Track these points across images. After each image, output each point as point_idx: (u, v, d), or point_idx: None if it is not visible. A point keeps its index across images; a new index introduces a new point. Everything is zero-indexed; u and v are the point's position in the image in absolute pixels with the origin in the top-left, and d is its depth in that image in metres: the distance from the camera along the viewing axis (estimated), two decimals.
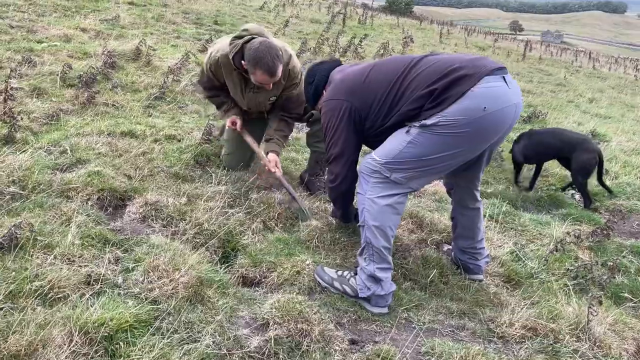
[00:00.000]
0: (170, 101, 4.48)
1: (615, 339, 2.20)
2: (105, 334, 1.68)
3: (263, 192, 3.03)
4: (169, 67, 4.90)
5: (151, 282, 2.02)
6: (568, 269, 2.74)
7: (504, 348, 2.11)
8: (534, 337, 2.16)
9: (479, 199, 2.46)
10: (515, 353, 2.07)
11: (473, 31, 24.93)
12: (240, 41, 2.75)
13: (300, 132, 4.47)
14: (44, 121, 3.55)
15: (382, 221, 2.12)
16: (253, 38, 2.73)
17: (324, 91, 2.48)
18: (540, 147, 3.99)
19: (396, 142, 2.11)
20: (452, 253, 2.66)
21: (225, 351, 1.80)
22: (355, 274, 2.26)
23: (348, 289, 2.24)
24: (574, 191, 4.01)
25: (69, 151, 3.05)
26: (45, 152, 3.04)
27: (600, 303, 2.28)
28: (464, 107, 1.95)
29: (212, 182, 3.04)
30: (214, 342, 1.82)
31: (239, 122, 3.10)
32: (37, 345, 1.59)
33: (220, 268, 2.33)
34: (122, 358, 1.64)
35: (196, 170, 3.21)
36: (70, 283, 1.90)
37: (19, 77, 3.95)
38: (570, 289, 2.54)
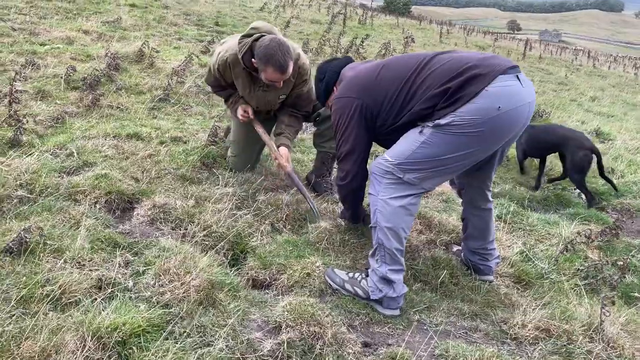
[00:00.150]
0: (174, 103, 4.46)
1: (628, 339, 2.19)
2: (119, 339, 1.66)
3: (270, 194, 3.02)
4: (173, 68, 4.89)
5: (162, 285, 2.00)
6: (578, 269, 2.74)
7: (517, 350, 2.10)
8: (547, 338, 2.14)
9: (491, 199, 2.44)
10: (530, 355, 2.06)
11: (472, 31, 24.95)
12: (250, 39, 2.73)
13: (304, 133, 4.46)
14: (49, 124, 3.54)
15: (395, 222, 2.11)
16: (262, 36, 2.71)
17: (334, 88, 2.47)
18: (535, 142, 4.03)
19: (409, 142, 2.09)
20: (462, 254, 2.64)
21: (239, 355, 1.78)
22: (367, 275, 2.24)
23: (359, 291, 2.22)
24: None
25: (75, 154, 3.03)
26: (51, 155, 3.03)
27: (613, 303, 2.27)
28: (478, 107, 1.94)
29: (219, 184, 3.03)
30: (227, 346, 1.80)
31: (250, 110, 3.03)
32: (50, 351, 1.57)
33: (230, 271, 2.31)
34: None
35: (203, 172, 3.20)
36: (81, 287, 1.88)
37: (23, 79, 3.93)
38: (582, 289, 2.53)
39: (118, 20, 7.33)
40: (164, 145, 3.43)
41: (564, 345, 2.11)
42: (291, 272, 2.33)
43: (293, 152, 3.96)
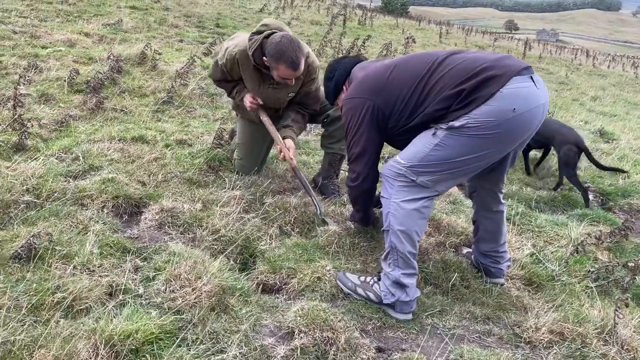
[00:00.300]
0: (178, 105, 4.44)
1: None
2: (132, 346, 1.64)
3: (278, 197, 2.99)
4: (176, 71, 4.86)
5: (173, 291, 1.98)
6: (589, 271, 2.71)
7: (532, 354, 2.08)
8: (561, 341, 2.13)
9: (503, 201, 2.42)
10: (544, 359, 2.04)
11: (470, 31, 24.93)
12: (260, 36, 2.70)
13: (308, 134, 4.44)
14: (53, 127, 3.52)
15: (408, 226, 2.08)
16: (273, 33, 2.69)
17: (344, 87, 2.44)
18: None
19: (422, 144, 2.07)
20: (472, 256, 2.62)
21: None
22: (379, 279, 2.22)
23: (372, 295, 2.20)
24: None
25: (81, 158, 3.01)
26: (56, 159, 3.00)
27: (627, 305, 2.25)
28: (493, 109, 1.92)
29: (225, 187, 3.01)
30: (240, 352, 1.78)
31: (259, 98, 2.97)
32: (63, 359, 1.55)
33: (240, 275, 2.29)
34: None
35: (209, 175, 3.18)
36: (92, 294, 1.86)
37: (27, 83, 3.91)
38: (594, 291, 2.51)
39: (119, 22, 7.31)
40: (169, 149, 3.41)
41: (578, 348, 2.09)
42: (301, 276, 2.31)
43: (298, 153, 3.94)
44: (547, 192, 3.87)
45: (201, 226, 2.54)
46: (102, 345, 1.61)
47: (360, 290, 2.22)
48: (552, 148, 4.19)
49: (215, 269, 2.11)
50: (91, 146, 3.21)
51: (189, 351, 1.71)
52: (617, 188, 4.03)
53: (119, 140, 3.39)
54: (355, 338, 1.96)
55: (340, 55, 7.94)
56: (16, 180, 2.56)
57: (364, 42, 7.70)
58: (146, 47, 5.36)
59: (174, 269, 2.06)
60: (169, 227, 2.53)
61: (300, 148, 4.10)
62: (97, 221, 2.40)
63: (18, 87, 3.26)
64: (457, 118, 1.98)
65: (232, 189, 2.98)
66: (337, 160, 3.21)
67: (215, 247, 2.43)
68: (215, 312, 1.94)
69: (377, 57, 8.21)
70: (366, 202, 2.50)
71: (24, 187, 2.53)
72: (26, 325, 1.64)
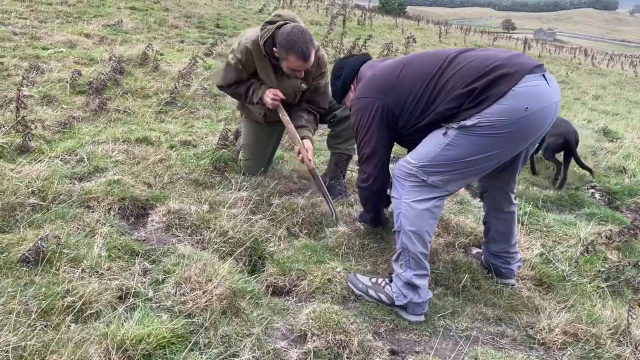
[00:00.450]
0: (181, 106, 4.41)
1: None
2: (145, 351, 1.61)
3: (285, 197, 2.97)
4: (179, 71, 4.83)
5: (184, 294, 1.95)
6: (599, 271, 2.69)
7: (546, 355, 2.06)
8: (575, 342, 2.10)
9: (514, 201, 2.39)
10: None
11: (469, 30, 24.94)
12: (273, 26, 2.66)
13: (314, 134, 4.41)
14: (57, 129, 3.48)
15: (419, 226, 2.06)
16: (285, 24, 2.66)
17: (352, 86, 2.41)
18: None
19: (433, 144, 2.04)
20: (482, 257, 2.60)
21: None
22: (390, 280, 2.19)
23: (383, 297, 2.17)
24: (593, 190, 3.97)
25: (85, 159, 2.98)
26: (61, 161, 2.97)
27: None
28: (505, 107, 1.89)
29: (232, 189, 2.98)
30: (253, 356, 1.76)
31: (279, 93, 2.84)
32: None
33: (250, 277, 2.27)
34: None
35: (215, 176, 3.15)
36: (102, 298, 1.83)
37: (30, 84, 3.88)
38: (605, 291, 2.49)
39: (119, 23, 7.28)
40: (174, 150, 3.38)
41: (592, 349, 2.07)
42: (311, 278, 2.29)
43: None
44: (553, 192, 3.85)
45: (209, 228, 2.51)
46: (114, 350, 1.59)
47: (372, 292, 2.19)
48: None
49: (226, 272, 2.08)
50: (95, 147, 3.18)
51: (201, 355, 1.69)
52: (623, 187, 4.02)
53: (123, 141, 3.36)
54: (368, 341, 1.94)
55: (342, 55, 7.92)
56: (21, 182, 2.53)
57: (365, 42, 7.68)
58: (147, 48, 5.33)
59: (184, 272, 2.03)
60: (176, 229, 2.50)
61: None
62: (104, 223, 2.37)
63: (21, 88, 3.22)
64: (469, 117, 1.95)
65: (239, 190, 2.95)
66: (343, 161, 3.18)
67: (224, 249, 2.41)
68: (227, 315, 1.92)
69: (377, 57, 8.19)
70: (377, 203, 2.47)
71: (29, 190, 2.50)
72: (37, 330, 1.62)
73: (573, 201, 3.73)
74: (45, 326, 1.65)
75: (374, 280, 2.23)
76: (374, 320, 2.11)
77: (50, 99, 3.96)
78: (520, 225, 3.10)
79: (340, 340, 1.89)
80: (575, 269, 2.72)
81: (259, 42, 2.71)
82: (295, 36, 2.53)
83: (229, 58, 2.87)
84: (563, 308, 2.35)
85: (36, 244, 1.97)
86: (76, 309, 1.75)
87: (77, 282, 1.88)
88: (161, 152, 3.29)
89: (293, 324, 1.98)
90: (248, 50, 2.77)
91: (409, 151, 2.28)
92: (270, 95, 2.82)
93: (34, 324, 1.64)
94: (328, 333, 1.90)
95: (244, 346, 1.78)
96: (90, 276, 1.96)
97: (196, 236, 2.47)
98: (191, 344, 1.73)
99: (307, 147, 2.82)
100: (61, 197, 2.53)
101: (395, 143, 2.32)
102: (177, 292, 1.96)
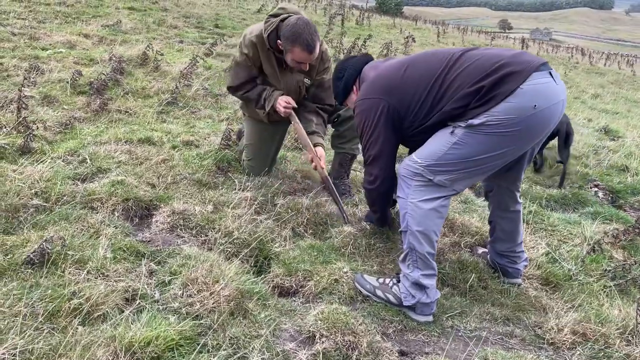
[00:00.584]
0: (182, 106, 4.39)
1: None
2: (153, 354, 1.59)
3: (289, 197, 2.95)
4: (180, 71, 4.81)
5: (191, 296, 1.93)
6: (606, 270, 2.69)
7: (556, 355, 2.04)
8: (584, 342, 2.09)
9: (520, 200, 2.38)
10: None
11: (466, 30, 24.99)
12: (277, 19, 2.64)
13: None
14: (58, 130, 3.46)
15: (426, 226, 2.04)
16: (289, 16, 2.63)
17: (354, 87, 2.39)
18: None
19: (439, 143, 2.02)
20: (489, 256, 2.58)
21: None
22: (398, 281, 2.18)
23: (391, 297, 2.16)
24: (596, 188, 3.97)
25: (88, 160, 2.96)
26: (63, 161, 2.95)
27: None
28: (513, 106, 1.88)
29: (236, 189, 2.96)
30: (262, 358, 1.74)
31: (292, 101, 2.83)
32: None
33: (257, 278, 2.25)
34: None
35: (218, 176, 3.13)
36: (108, 300, 1.81)
37: (32, 85, 3.85)
38: (613, 290, 2.48)
39: (118, 23, 7.25)
40: (176, 150, 3.36)
41: (602, 349, 2.06)
42: (318, 278, 2.27)
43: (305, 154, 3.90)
44: (557, 191, 3.85)
45: (214, 228, 2.50)
46: (123, 352, 1.57)
47: (379, 293, 2.17)
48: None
49: (232, 273, 2.07)
50: (98, 148, 3.16)
51: (210, 358, 1.67)
52: (626, 186, 4.01)
53: (125, 142, 3.34)
54: (377, 342, 1.92)
55: (342, 55, 7.90)
56: (24, 183, 2.51)
57: (364, 42, 7.67)
58: (147, 48, 5.31)
59: (190, 273, 2.01)
60: (181, 229, 2.48)
61: None
62: (109, 224, 2.35)
63: (22, 88, 3.19)
64: (477, 116, 1.93)
65: (243, 191, 2.93)
66: (347, 160, 3.17)
67: (229, 249, 2.38)
68: (235, 317, 1.90)
69: (377, 57, 8.18)
70: (384, 204, 2.46)
71: (32, 191, 2.48)
72: (44, 334, 1.59)
73: (577, 200, 3.72)
74: (52, 329, 1.63)
75: (381, 280, 2.22)
76: (382, 320, 2.10)
77: (51, 100, 3.94)
78: (525, 224, 3.09)
79: (349, 341, 1.87)
80: (581, 268, 2.71)
81: (263, 35, 2.69)
82: (300, 28, 2.51)
83: (237, 56, 2.86)
84: (571, 307, 2.34)
85: (41, 246, 1.94)
86: (83, 312, 1.73)
87: (83, 284, 1.85)
88: (164, 152, 3.27)
89: (301, 325, 1.96)
90: (253, 44, 2.76)
91: (411, 151, 2.26)
92: (283, 103, 2.80)
93: (41, 327, 1.62)
94: (337, 334, 1.88)
95: (252, 348, 1.76)
96: (96, 278, 1.94)
97: (201, 237, 2.45)
98: (200, 346, 1.71)
99: (320, 155, 2.79)
100: (64, 198, 2.50)
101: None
102: (184, 294, 1.94)
